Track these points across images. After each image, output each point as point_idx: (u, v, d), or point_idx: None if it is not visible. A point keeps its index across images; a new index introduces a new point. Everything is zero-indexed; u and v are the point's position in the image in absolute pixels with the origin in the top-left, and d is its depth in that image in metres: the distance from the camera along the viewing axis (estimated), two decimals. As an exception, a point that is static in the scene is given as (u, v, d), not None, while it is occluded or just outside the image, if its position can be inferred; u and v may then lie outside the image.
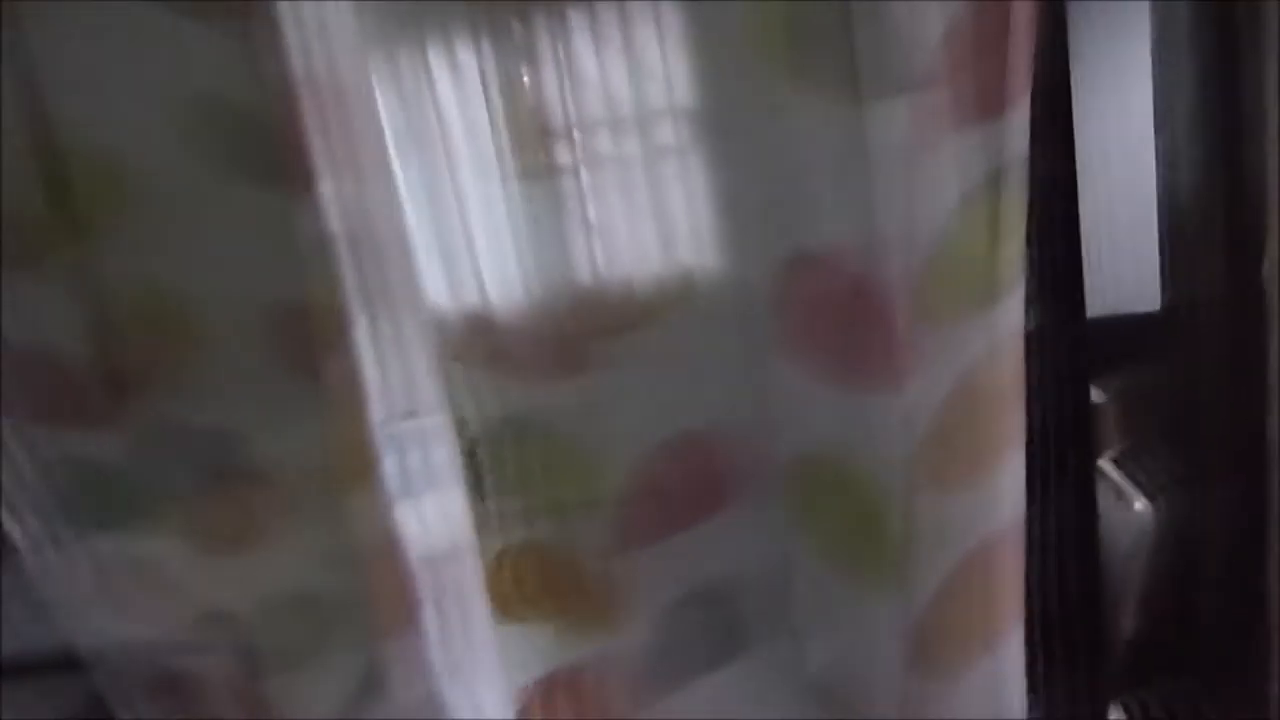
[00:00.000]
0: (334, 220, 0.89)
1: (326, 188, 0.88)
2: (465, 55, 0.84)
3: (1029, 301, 0.79)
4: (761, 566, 0.88)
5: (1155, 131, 0.97)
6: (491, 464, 0.92)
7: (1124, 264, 1.00)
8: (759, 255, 0.80)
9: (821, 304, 0.77)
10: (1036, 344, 0.87)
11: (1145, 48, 0.91)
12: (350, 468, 0.91)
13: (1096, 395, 0.99)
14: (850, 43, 0.72)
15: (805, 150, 0.76)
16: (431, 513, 0.93)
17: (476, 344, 0.91)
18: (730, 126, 0.83)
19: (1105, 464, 1.03)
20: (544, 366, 0.90)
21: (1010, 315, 0.74)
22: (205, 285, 0.92)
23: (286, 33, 0.85)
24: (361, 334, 0.90)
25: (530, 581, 0.93)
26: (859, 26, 0.71)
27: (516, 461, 0.91)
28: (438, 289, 0.90)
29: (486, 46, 0.83)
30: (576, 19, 0.82)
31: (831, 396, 0.78)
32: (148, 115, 0.87)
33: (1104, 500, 1.00)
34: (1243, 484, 0.94)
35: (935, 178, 0.72)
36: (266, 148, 0.87)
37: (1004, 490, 0.76)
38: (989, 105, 0.70)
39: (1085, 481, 0.96)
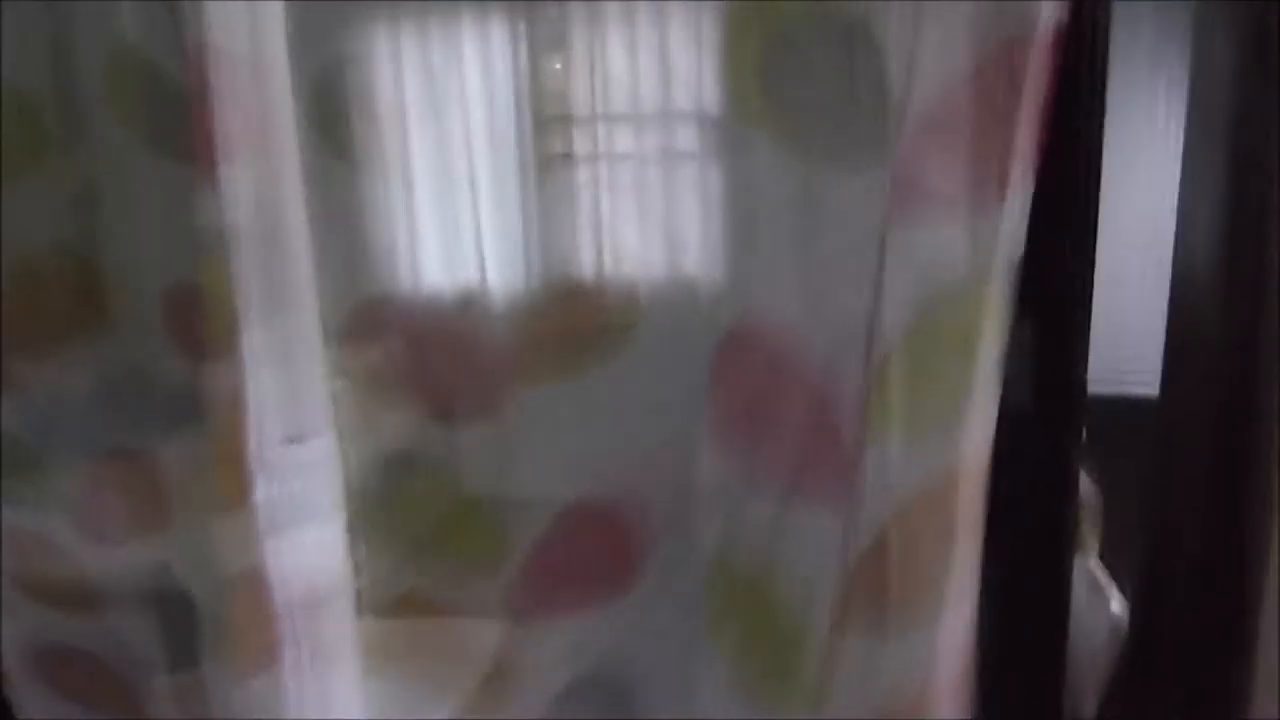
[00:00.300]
0: (235, 207, 0.79)
1: (231, 170, 0.78)
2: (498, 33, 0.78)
3: (1023, 379, 0.70)
4: (666, 664, 0.77)
5: (1177, 221, 0.88)
6: (379, 504, 0.81)
7: (1132, 344, 0.93)
8: (701, 318, 0.69)
9: (759, 389, 0.65)
10: (1029, 425, 0.76)
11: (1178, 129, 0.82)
12: (222, 489, 0.81)
13: (1087, 486, 0.90)
14: (827, 100, 0.60)
15: (762, 205, 0.65)
16: (307, 549, 0.82)
17: (379, 364, 0.80)
18: (692, 159, 0.73)
19: (1090, 557, 0.96)
20: (453, 401, 0.80)
21: (977, 441, 0.62)
22: (110, 252, 0.85)
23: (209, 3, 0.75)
24: (251, 341, 0.79)
25: (408, 637, 0.83)
26: (837, 83, 0.59)
27: (408, 504, 0.81)
28: (435, 268, 0.82)
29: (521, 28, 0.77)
30: (612, 12, 0.75)
31: (759, 500, 0.67)
32: (71, 63, 0.81)
33: (1081, 594, 0.91)
34: (1222, 598, 0.86)
35: (909, 266, 0.60)
36: (178, 118, 0.78)
37: (943, 647, 0.64)
38: (981, 193, 0.58)
39: (1061, 573, 0.86)
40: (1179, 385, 0.95)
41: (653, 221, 0.76)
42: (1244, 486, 0.81)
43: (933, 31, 0.57)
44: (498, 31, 0.75)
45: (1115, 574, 1.02)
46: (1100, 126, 0.73)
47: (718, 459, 0.68)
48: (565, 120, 0.77)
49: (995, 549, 0.73)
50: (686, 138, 0.75)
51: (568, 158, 0.77)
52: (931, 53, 0.57)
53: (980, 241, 0.59)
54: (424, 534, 0.81)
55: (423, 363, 0.79)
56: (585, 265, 0.77)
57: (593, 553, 0.77)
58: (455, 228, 0.81)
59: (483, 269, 0.80)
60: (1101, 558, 1.00)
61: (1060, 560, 0.85)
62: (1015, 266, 0.61)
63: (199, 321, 0.81)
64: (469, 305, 0.80)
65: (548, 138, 0.78)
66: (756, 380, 0.66)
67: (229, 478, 0.80)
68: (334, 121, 0.82)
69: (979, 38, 0.56)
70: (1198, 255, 0.90)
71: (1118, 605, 0.97)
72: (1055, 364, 0.79)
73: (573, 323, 0.77)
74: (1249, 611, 0.82)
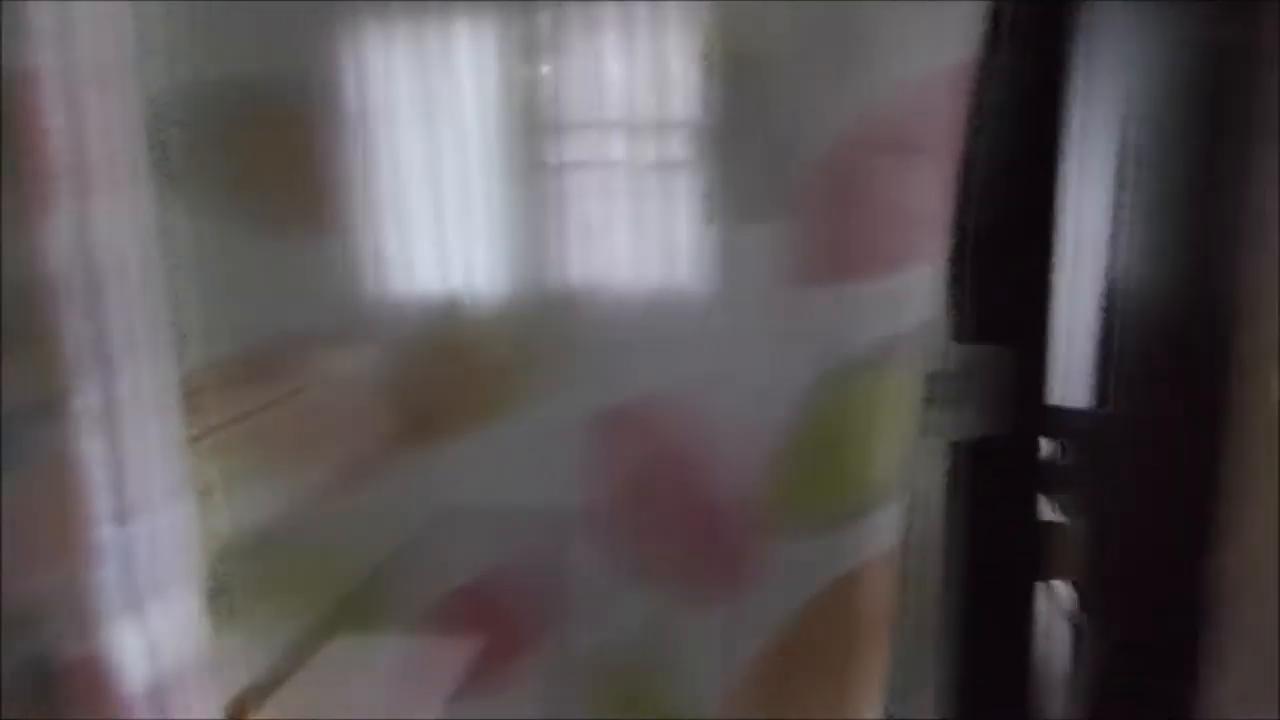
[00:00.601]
0: (67, 245, 0.69)
1: (66, 203, 0.69)
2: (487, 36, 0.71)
3: (982, 406, 0.68)
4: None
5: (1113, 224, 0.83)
6: (241, 582, 0.72)
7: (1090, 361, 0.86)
8: (575, 394, 0.60)
9: (632, 474, 0.57)
10: (988, 452, 0.75)
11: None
12: (54, 565, 0.72)
13: (1053, 510, 0.87)
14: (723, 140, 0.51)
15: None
16: (159, 633, 0.74)
17: (239, 428, 0.71)
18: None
19: (1059, 584, 0.92)
20: (324, 464, 0.70)
21: (880, 532, 0.54)
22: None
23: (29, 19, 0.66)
24: (88, 400, 0.70)
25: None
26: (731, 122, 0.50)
27: (273, 582, 0.72)
28: (421, 271, 0.74)
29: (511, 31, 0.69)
30: (606, 17, 0.68)
31: (637, 594, 0.58)
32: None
33: (1050, 621, 0.90)
34: (1184, 617, 0.84)
35: (801, 337, 0.51)
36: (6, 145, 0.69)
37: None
38: (881, 257, 0.49)
39: (1025, 602, 0.86)
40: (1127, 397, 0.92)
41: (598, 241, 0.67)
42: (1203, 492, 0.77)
43: (835, 69, 0.48)
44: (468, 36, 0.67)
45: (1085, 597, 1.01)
46: (1057, 146, 0.68)
47: (595, 545, 0.59)
48: (544, 129, 0.69)
49: (959, 574, 0.72)
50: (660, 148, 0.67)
51: (545, 166, 0.69)
52: (834, 93, 0.48)
53: (883, 309, 0.51)
54: (297, 617, 0.72)
55: (288, 425, 0.70)
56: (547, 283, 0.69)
57: (481, 641, 0.69)
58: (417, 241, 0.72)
59: (463, 280, 0.71)
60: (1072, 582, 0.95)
61: (1025, 585, 0.83)
62: (923, 339, 0.52)
63: (26, 375, 0.71)
64: (349, 356, 0.70)
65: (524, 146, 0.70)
66: (628, 461, 0.57)
67: (61, 552, 0.71)
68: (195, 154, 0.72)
69: (885, 77, 0.48)
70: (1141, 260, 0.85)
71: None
72: (1015, 385, 0.75)
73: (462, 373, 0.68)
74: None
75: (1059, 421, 0.81)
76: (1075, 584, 1.00)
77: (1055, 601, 1.00)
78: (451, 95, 0.70)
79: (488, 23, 0.70)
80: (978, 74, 0.53)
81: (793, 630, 0.55)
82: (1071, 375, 0.89)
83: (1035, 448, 0.79)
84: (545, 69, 0.67)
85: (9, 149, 0.68)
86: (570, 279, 0.66)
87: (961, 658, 0.76)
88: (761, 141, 0.54)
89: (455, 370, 0.68)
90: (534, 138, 0.68)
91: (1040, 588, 0.87)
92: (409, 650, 0.72)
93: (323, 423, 0.71)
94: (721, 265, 0.55)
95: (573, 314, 0.65)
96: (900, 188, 0.53)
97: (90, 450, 0.70)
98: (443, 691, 0.70)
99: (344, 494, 0.70)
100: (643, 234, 0.64)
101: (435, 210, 0.71)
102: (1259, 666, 0.83)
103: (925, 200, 0.54)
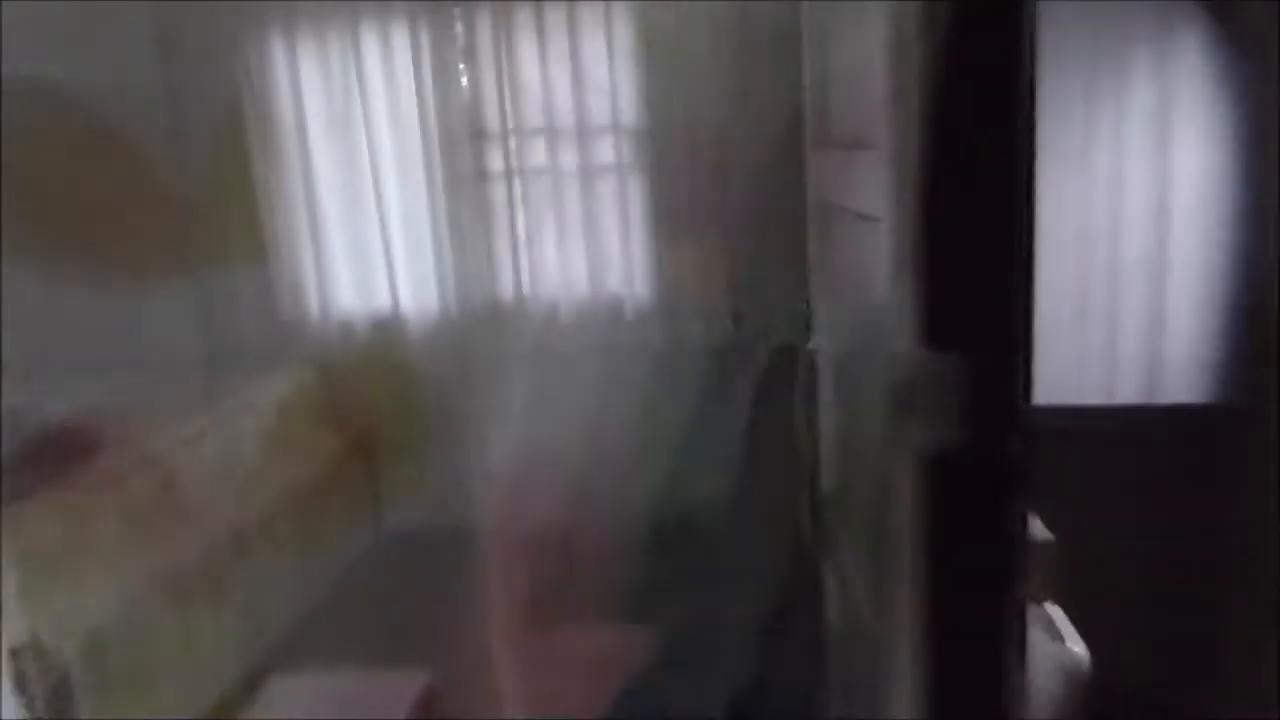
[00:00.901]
0: None
1: None
2: (400, 45, 0.64)
3: (955, 413, 0.64)
4: None
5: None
6: (58, 692, 0.60)
7: (1072, 356, 0.98)
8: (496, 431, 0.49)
9: (530, 560, 0.46)
10: (962, 462, 0.69)
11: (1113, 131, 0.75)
12: None
13: (1039, 530, 0.91)
14: None
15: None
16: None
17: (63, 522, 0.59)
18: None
19: (1047, 602, 0.94)
20: (160, 553, 0.58)
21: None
22: None
23: None
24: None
25: None
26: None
27: (101, 693, 0.60)
28: (346, 293, 0.68)
29: (424, 39, 0.63)
30: (522, 21, 0.61)
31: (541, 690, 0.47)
32: None
33: (1038, 640, 0.89)
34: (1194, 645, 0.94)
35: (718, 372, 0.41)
36: None
37: None
38: (826, 265, 0.39)
39: (1009, 617, 0.78)
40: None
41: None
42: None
43: (769, 66, 0.38)
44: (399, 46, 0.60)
45: (1074, 614, 0.97)
46: (1026, 146, 0.62)
47: (502, 639, 0.48)
48: (471, 138, 0.60)
49: (931, 584, 0.70)
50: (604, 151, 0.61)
51: (478, 176, 0.61)
52: (770, 92, 0.38)
53: (839, 314, 0.40)
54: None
55: (111, 512, 0.58)
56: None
57: None
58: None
59: (394, 299, 0.63)
60: (1058, 601, 0.96)
61: (999, 595, 0.77)
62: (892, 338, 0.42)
63: None
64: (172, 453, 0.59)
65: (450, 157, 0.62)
66: (522, 543, 0.46)
67: None
68: None
69: (824, 73, 0.38)
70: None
71: (1078, 647, 0.93)
72: (986, 391, 0.69)
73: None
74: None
75: (1036, 425, 0.75)
76: (1053, 594, 0.97)
77: (1032, 611, 0.97)
78: (323, 112, 0.61)
79: (396, 32, 0.62)
80: (939, 73, 0.46)
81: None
82: (1065, 376, 0.86)
83: (1007, 455, 0.72)
84: (463, 78, 0.60)
85: None
86: (489, 297, 0.57)
87: (935, 667, 0.73)
88: (697, 145, 0.44)
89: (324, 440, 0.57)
90: (448, 150, 0.59)
91: (1014, 597, 0.79)
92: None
93: (158, 508, 0.59)
94: (661, 278, 0.45)
95: (494, 336, 0.54)
96: (850, 188, 0.44)
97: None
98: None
99: (187, 606, 0.58)
100: (582, 245, 0.56)
101: (291, 238, 0.60)
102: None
103: (877, 202, 0.44)
